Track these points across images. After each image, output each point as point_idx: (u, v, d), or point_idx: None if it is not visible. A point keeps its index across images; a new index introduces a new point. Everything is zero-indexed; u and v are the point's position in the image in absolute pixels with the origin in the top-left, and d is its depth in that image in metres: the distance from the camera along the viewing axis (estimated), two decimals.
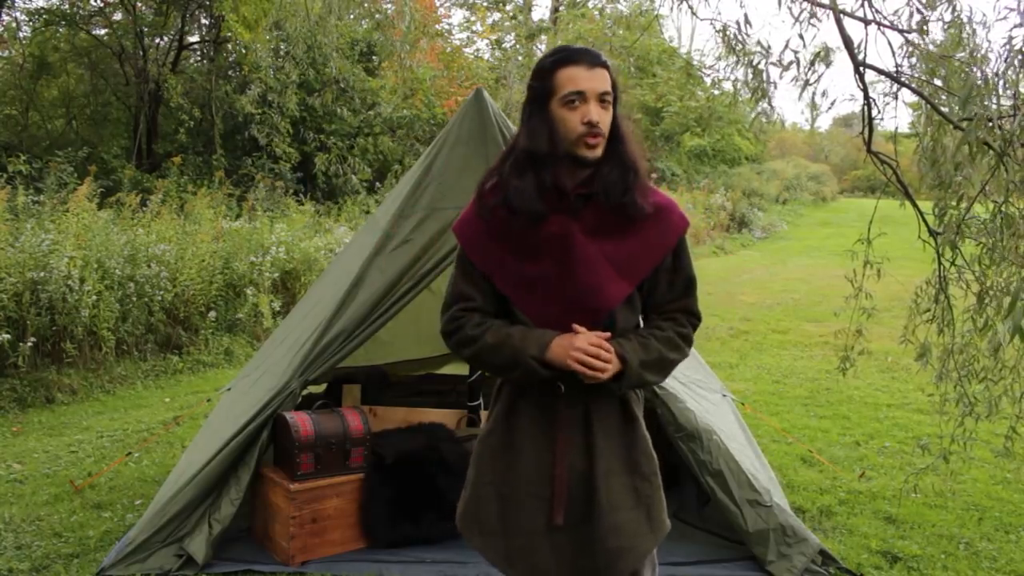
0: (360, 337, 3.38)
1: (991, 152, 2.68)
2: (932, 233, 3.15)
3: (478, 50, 22.78)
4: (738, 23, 3.18)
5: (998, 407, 3.15)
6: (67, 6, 13.00)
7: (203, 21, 14.64)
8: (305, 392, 3.63)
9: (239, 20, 11.08)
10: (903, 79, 3.07)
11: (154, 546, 3.09)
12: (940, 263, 3.18)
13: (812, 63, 3.00)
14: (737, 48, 3.20)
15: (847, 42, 3.04)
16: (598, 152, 1.79)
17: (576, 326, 1.80)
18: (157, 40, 13.88)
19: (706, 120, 24.32)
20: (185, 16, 13.67)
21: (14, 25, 13.12)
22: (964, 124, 2.68)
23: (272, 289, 8.24)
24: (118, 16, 13.52)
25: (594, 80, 1.76)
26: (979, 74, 2.77)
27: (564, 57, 1.78)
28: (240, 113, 12.56)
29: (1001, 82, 2.76)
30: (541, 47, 20.65)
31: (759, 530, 3.13)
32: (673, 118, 24.47)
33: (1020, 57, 2.65)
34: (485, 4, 22.86)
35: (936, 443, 3.37)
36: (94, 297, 6.34)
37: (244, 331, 7.87)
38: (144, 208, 8.69)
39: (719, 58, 3.35)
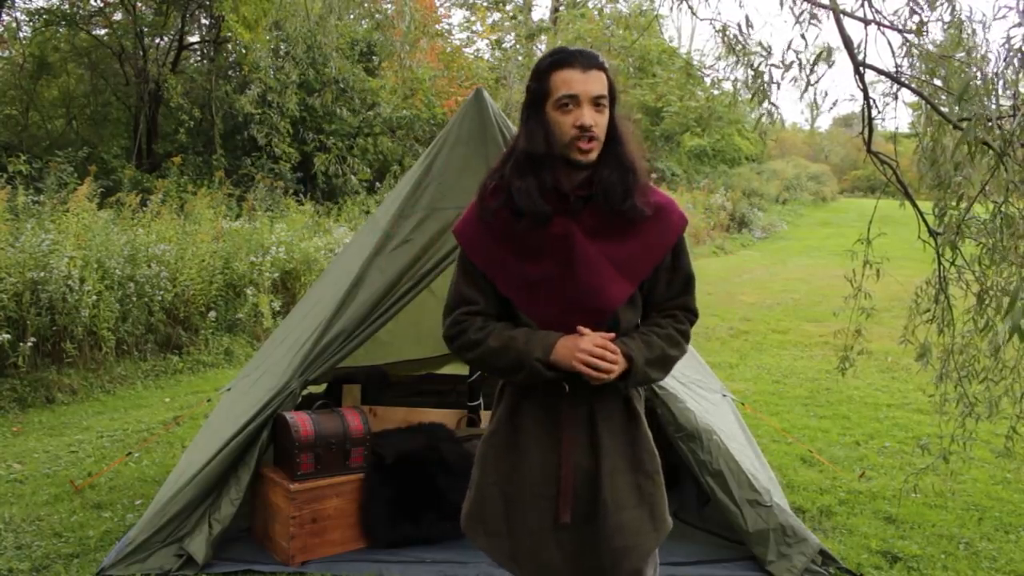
0: (360, 337, 3.38)
1: (991, 152, 2.68)
2: (932, 233, 3.15)
3: (478, 50, 22.80)
4: (739, 25, 3.18)
5: (998, 407, 3.15)
6: (67, 6, 13.00)
7: (203, 21, 14.65)
8: (305, 392, 3.63)
9: (239, 20, 11.08)
10: (903, 79, 3.07)
11: (154, 546, 3.09)
12: (940, 263, 3.18)
13: (814, 63, 3.00)
14: (737, 48, 3.20)
15: (847, 42, 3.04)
16: (592, 155, 1.79)
17: (581, 327, 1.80)
18: (157, 40, 13.88)
19: (706, 120, 24.32)
20: (185, 16, 13.67)
21: (14, 25, 13.13)
22: (964, 124, 2.68)
23: (272, 289, 8.24)
24: (118, 16, 13.52)
25: (588, 83, 1.76)
26: (978, 73, 2.76)
27: (559, 60, 1.79)
28: (240, 113, 12.57)
29: (1001, 82, 2.76)
30: (541, 47, 20.65)
31: (759, 530, 3.13)
32: (673, 118, 24.46)
33: (1020, 57, 2.65)
34: (485, 4, 22.85)
35: (936, 443, 3.37)
36: (94, 297, 6.34)
37: (244, 331, 7.87)
38: (144, 208, 8.69)
39: (719, 58, 3.35)
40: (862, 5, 2.99)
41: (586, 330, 1.80)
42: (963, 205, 2.96)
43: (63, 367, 6.27)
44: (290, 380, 3.31)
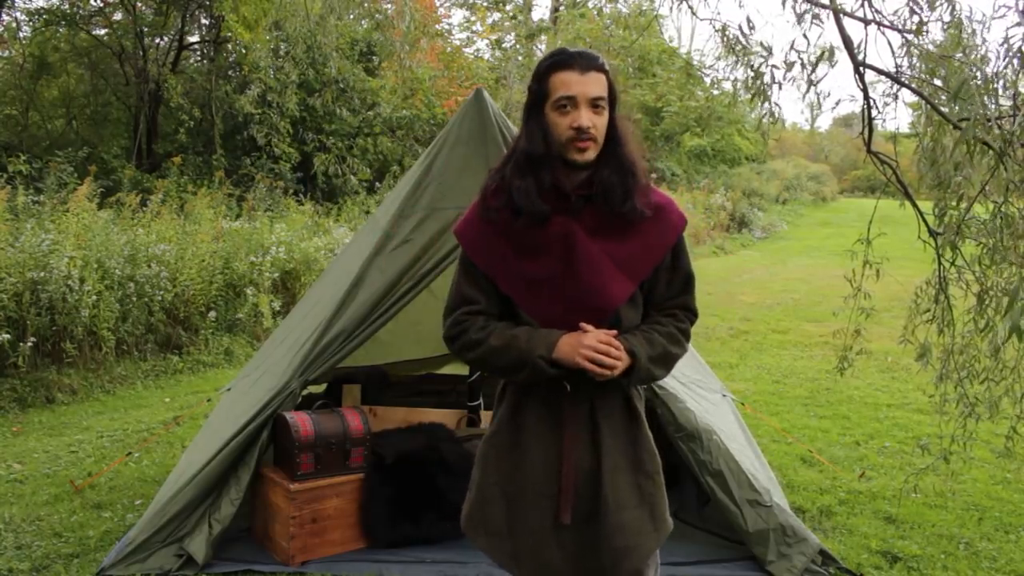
0: (360, 337, 3.38)
1: (991, 152, 2.68)
2: (932, 233, 3.15)
3: (478, 50, 22.79)
4: (741, 26, 3.18)
5: (998, 408, 3.15)
6: (67, 6, 13.00)
7: (203, 21, 14.65)
8: (305, 392, 3.63)
9: (239, 20, 11.08)
10: (903, 79, 3.07)
11: (154, 546, 3.09)
12: (940, 263, 3.18)
13: (816, 63, 3.00)
14: (737, 48, 3.20)
15: (847, 42, 3.04)
16: (589, 156, 1.80)
17: (584, 324, 1.81)
18: (157, 40, 13.88)
19: (706, 120, 24.31)
20: (185, 16, 13.67)
21: (14, 25, 13.13)
22: (963, 124, 2.68)
23: (272, 289, 8.24)
24: (118, 16, 13.52)
25: (586, 84, 1.77)
26: (977, 73, 2.76)
27: (558, 61, 1.80)
28: (240, 113, 12.56)
29: (1001, 82, 2.76)
30: (541, 47, 20.65)
31: (759, 530, 3.13)
32: (673, 118, 24.45)
33: (1019, 57, 2.65)
34: (485, 4, 22.83)
35: (936, 443, 3.37)
36: (94, 297, 6.34)
37: (244, 331, 7.87)
38: (144, 208, 8.69)
39: (719, 58, 3.35)
40: (862, 5, 2.99)
41: (589, 327, 1.80)
42: (963, 205, 2.96)
43: (63, 367, 6.27)
44: (290, 380, 3.31)
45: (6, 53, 14.06)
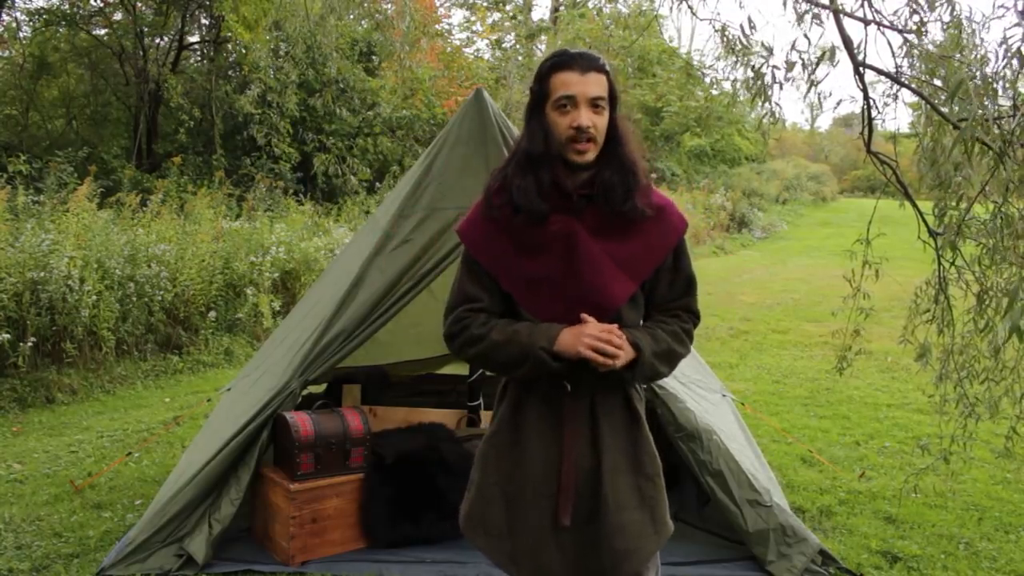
0: (360, 337, 3.38)
1: (990, 152, 2.68)
2: (932, 233, 3.15)
3: (478, 50, 22.80)
4: (742, 26, 3.18)
5: (998, 408, 3.15)
6: (67, 6, 13.00)
7: (203, 21, 14.65)
8: (305, 392, 3.63)
9: (239, 20, 11.08)
10: (903, 79, 3.07)
11: (154, 546, 3.09)
12: (940, 263, 3.18)
13: (817, 63, 3.00)
14: (737, 49, 3.20)
15: (847, 42, 3.04)
16: (588, 156, 1.82)
17: (585, 316, 1.81)
18: (157, 40, 13.88)
19: (706, 120, 24.31)
20: (185, 16, 13.67)
21: (14, 25, 13.13)
22: (963, 124, 2.68)
23: (272, 289, 8.24)
24: (118, 16, 13.52)
25: (586, 85, 1.78)
26: (976, 73, 2.76)
27: (559, 62, 1.82)
28: (240, 113, 12.57)
29: (1001, 82, 2.76)
30: (541, 47, 20.66)
31: (759, 530, 3.13)
32: (673, 118, 24.45)
33: (1019, 57, 2.65)
34: (485, 4, 22.84)
35: (936, 443, 3.37)
36: (94, 297, 6.34)
37: (244, 331, 7.87)
38: (144, 208, 8.70)
39: (719, 58, 3.35)
40: (862, 5, 2.99)
41: (590, 318, 1.81)
42: (963, 205, 2.96)
43: (63, 367, 6.27)
44: (290, 380, 3.31)
45: (6, 53, 14.07)
